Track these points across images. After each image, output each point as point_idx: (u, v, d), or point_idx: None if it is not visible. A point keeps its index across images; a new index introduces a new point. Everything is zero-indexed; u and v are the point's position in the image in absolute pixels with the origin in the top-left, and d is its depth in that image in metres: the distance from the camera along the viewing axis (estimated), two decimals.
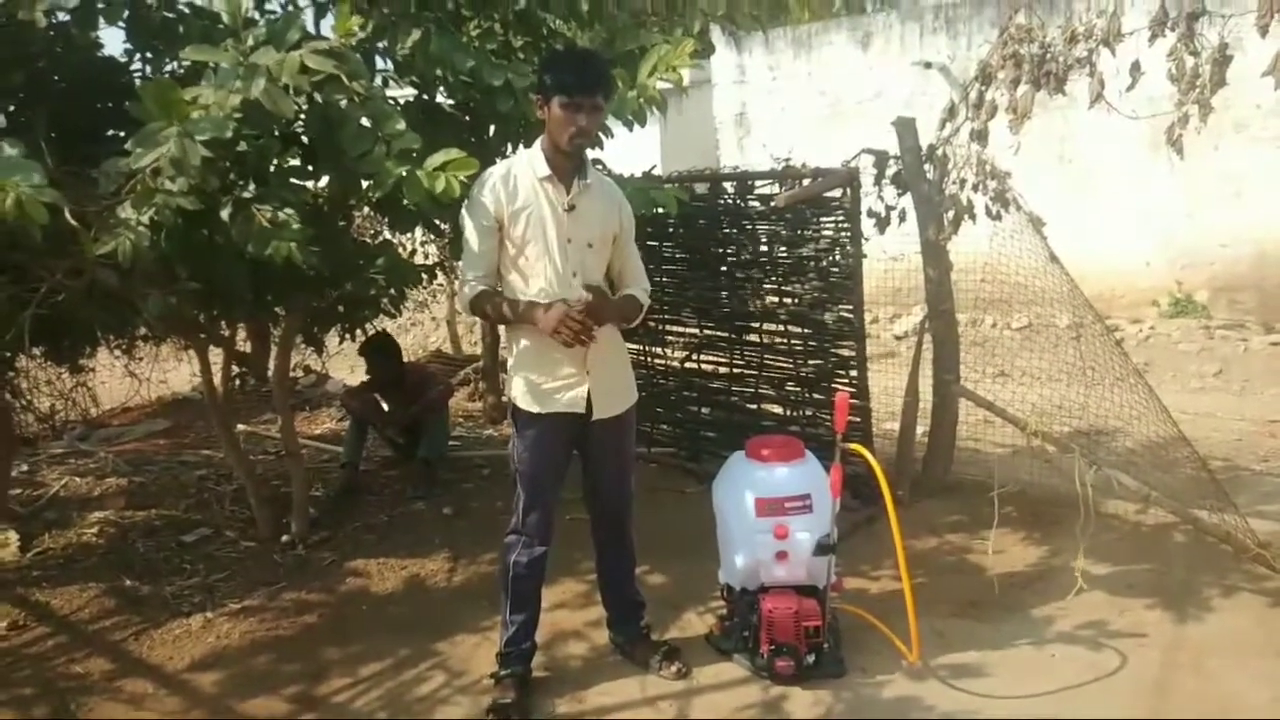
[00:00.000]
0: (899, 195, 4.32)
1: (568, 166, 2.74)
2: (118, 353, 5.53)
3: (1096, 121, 4.71)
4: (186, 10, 3.05)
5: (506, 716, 2.82)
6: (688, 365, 5.09)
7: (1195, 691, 2.80)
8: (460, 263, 2.85)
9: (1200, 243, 8.47)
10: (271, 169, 2.86)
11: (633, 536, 3.13)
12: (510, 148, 3.55)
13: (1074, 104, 4.00)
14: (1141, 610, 3.31)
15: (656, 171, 4.66)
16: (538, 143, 2.77)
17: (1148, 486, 3.67)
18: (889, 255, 4.54)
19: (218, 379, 4.48)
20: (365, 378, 5.20)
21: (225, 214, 2.67)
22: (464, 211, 2.76)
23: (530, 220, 2.71)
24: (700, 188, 4.85)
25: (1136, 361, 4.47)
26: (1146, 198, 8.42)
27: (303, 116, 2.81)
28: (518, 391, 2.81)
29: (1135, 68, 3.46)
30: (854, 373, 4.38)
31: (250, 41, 2.54)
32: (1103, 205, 8.60)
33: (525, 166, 2.75)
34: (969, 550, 3.88)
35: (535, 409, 2.79)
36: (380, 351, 5.01)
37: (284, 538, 4.20)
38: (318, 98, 2.63)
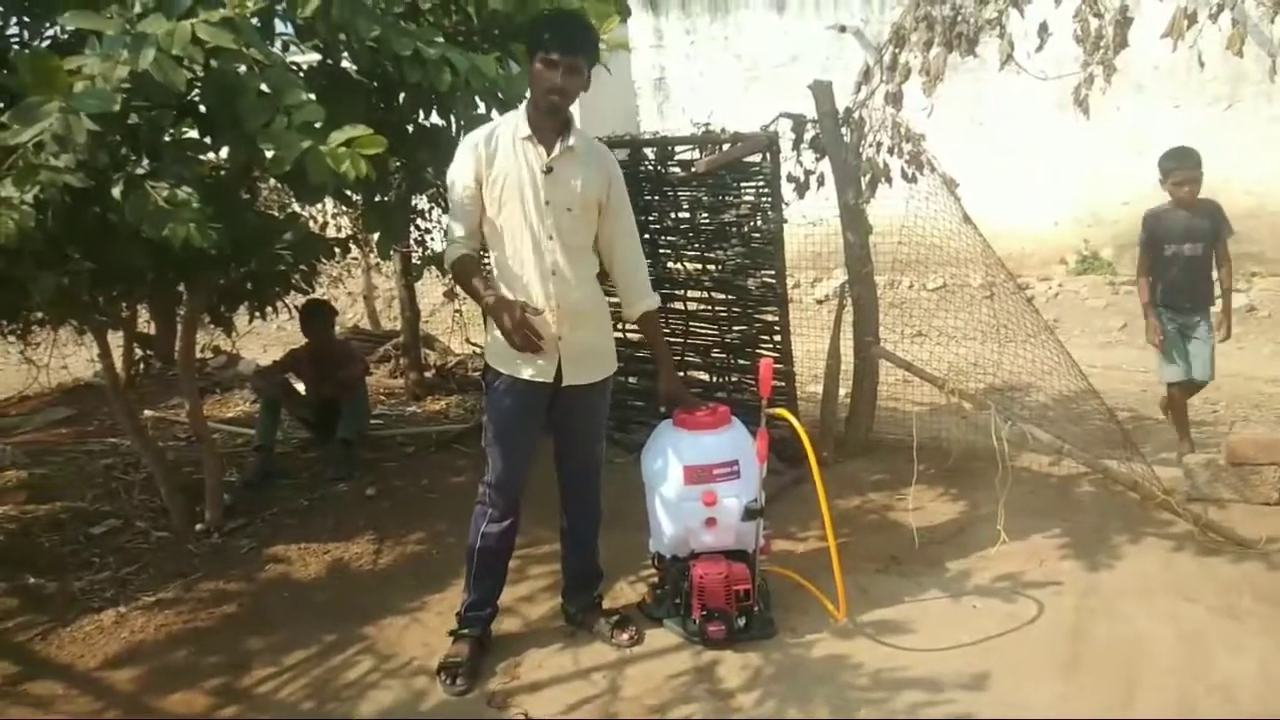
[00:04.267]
0: (817, 160, 4.34)
1: (549, 127, 2.72)
2: (11, 338, 5.23)
3: (1006, 83, 4.80)
4: None
5: (456, 674, 2.84)
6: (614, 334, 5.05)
7: (1108, 634, 2.92)
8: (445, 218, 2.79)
9: (1104, 201, 8.75)
10: (166, 141, 2.70)
11: (599, 506, 3.12)
12: (423, 115, 3.43)
13: (984, 66, 4.05)
14: (1056, 559, 3.43)
15: None
16: (524, 104, 2.79)
17: (1060, 439, 3.79)
18: (809, 220, 4.56)
19: (119, 363, 4.28)
20: (276, 359, 5.05)
21: (117, 192, 2.52)
22: (451, 168, 2.74)
23: (507, 181, 2.68)
24: (621, 154, 4.78)
25: (1047, 318, 4.60)
26: (1054, 158, 8.64)
27: (198, 85, 2.66)
28: (491, 349, 2.81)
29: (1043, 29, 3.53)
30: (778, 338, 4.41)
31: (137, 8, 2.39)
32: (1013, 166, 8.79)
33: (508, 127, 2.73)
34: (891, 508, 3.97)
35: (505, 370, 2.77)
36: (313, 313, 4.93)
37: (198, 526, 4.05)
38: (214, 64, 2.49)
